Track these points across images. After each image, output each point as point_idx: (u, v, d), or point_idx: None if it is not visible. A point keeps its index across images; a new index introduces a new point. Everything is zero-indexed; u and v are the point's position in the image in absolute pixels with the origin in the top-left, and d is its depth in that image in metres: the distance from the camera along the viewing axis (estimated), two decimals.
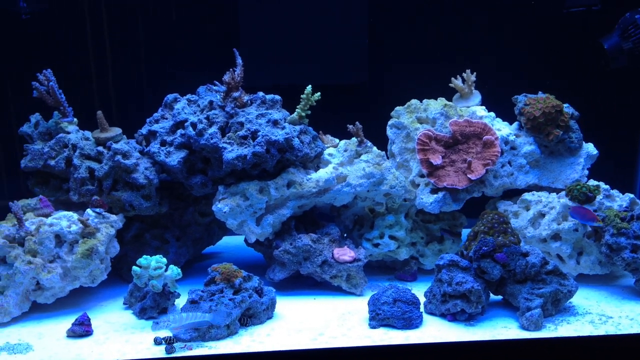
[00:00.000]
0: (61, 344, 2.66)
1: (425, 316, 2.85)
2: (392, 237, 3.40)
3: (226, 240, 4.03)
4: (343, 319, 2.88)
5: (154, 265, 2.88)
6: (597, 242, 3.10)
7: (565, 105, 3.52)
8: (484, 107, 3.63)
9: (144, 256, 2.92)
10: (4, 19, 4.20)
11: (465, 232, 3.46)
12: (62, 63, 3.93)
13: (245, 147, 3.19)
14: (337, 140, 3.60)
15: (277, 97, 3.44)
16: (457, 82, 3.68)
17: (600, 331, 2.68)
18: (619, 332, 2.67)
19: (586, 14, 4.18)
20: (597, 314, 2.87)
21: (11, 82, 4.30)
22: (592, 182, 3.41)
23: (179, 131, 3.31)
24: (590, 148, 3.56)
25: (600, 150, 3.59)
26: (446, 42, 4.36)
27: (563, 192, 3.36)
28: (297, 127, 3.31)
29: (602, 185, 3.37)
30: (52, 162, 3.28)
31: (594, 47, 3.84)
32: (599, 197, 3.25)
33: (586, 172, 3.53)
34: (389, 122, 3.61)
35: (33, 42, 4.26)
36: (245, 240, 3.40)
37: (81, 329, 2.72)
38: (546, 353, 2.64)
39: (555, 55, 4.38)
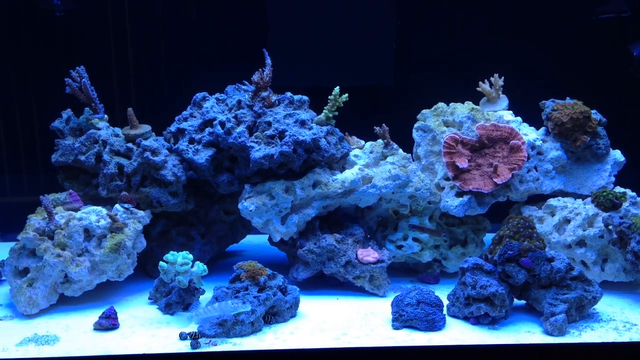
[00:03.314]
0: (88, 336, 2.70)
1: (448, 319, 2.86)
2: (415, 240, 3.41)
3: (249, 239, 4.05)
4: (366, 319, 2.90)
5: (180, 261, 2.91)
6: (622, 250, 3.07)
7: (593, 111, 3.51)
8: (511, 112, 3.63)
9: (171, 252, 2.95)
10: (38, 16, 4.29)
11: (489, 236, 3.45)
12: (94, 60, 4.00)
13: (273, 147, 3.22)
14: (363, 142, 3.62)
15: (305, 97, 3.47)
16: (484, 86, 3.68)
17: (624, 338, 2.67)
18: None
19: (616, 21, 4.18)
20: (621, 321, 2.86)
21: (44, 78, 4.38)
22: (619, 189, 3.39)
23: (207, 129, 3.35)
24: (617, 155, 3.55)
25: (628, 158, 3.58)
26: (474, 46, 4.38)
27: (589, 199, 3.36)
28: (324, 128, 3.33)
29: (629, 192, 3.35)
30: (83, 158, 3.34)
31: (624, 54, 3.83)
32: (625, 204, 3.23)
33: (613, 178, 3.52)
34: (415, 125, 3.63)
35: (66, 39, 4.33)
36: (269, 239, 3.45)
37: (108, 322, 2.77)
38: (570, 359, 2.64)
39: (584, 61, 4.38)
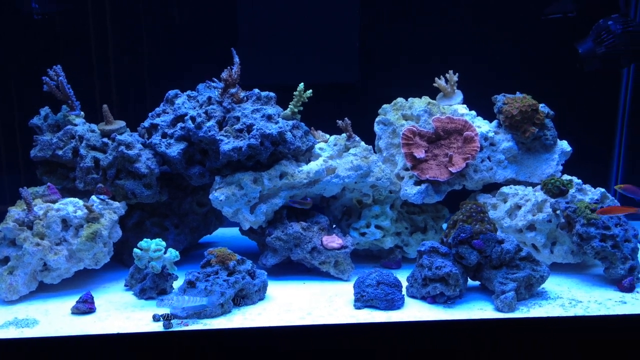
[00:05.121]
0: (66, 319, 2.77)
1: (407, 299, 2.97)
2: (378, 227, 3.52)
3: (222, 231, 4.14)
4: (330, 300, 3.00)
5: (153, 248, 3.01)
6: (569, 233, 3.22)
7: (541, 104, 3.64)
8: (465, 106, 3.76)
9: (145, 239, 3.04)
10: (16, 18, 4.37)
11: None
12: (74, 60, 4.09)
13: (241, 140, 3.32)
14: (327, 136, 3.72)
15: (272, 94, 3.58)
16: (440, 82, 3.81)
17: (570, 313, 2.79)
18: (587, 315, 2.79)
19: (563, 20, 4.35)
20: (567, 298, 2.99)
21: (22, 78, 4.44)
22: (566, 177, 3.53)
23: (179, 124, 3.45)
24: (564, 145, 3.68)
25: (577, 149, 3.70)
26: (433, 44, 4.49)
27: (539, 186, 3.51)
28: (290, 122, 3.45)
29: (575, 179, 3.50)
30: (60, 152, 3.42)
31: (571, 52, 3.99)
32: (572, 191, 3.40)
33: (560, 167, 3.64)
34: (377, 119, 3.73)
35: (43, 40, 4.40)
36: (240, 229, 3.54)
37: (85, 306, 2.85)
38: (518, 332, 2.77)
39: (534, 58, 4.52)
